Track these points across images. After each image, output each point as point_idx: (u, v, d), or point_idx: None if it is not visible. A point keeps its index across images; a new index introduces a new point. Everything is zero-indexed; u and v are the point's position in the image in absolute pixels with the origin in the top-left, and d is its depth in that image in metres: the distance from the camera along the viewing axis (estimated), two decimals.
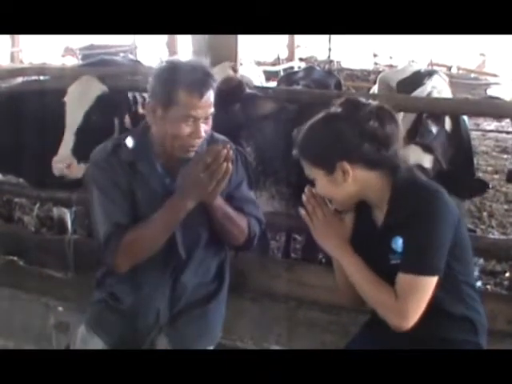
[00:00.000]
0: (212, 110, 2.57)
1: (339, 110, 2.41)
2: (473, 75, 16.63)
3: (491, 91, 16.41)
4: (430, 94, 4.52)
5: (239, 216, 2.74)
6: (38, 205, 6.08)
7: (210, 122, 2.60)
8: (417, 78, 5.61)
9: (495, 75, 15.99)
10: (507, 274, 5.02)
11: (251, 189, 2.88)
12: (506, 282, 4.98)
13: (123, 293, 2.80)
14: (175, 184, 2.63)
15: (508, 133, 11.15)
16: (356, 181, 2.37)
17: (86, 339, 2.73)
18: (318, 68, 6.15)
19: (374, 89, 6.73)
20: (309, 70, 5.89)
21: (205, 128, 2.56)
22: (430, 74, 5.55)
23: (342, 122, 2.37)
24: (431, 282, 2.29)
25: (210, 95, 2.54)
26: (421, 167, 3.35)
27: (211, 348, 2.81)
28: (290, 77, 5.78)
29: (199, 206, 2.59)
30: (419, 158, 3.45)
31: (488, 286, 4.87)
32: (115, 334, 2.74)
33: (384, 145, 2.36)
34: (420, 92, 4.77)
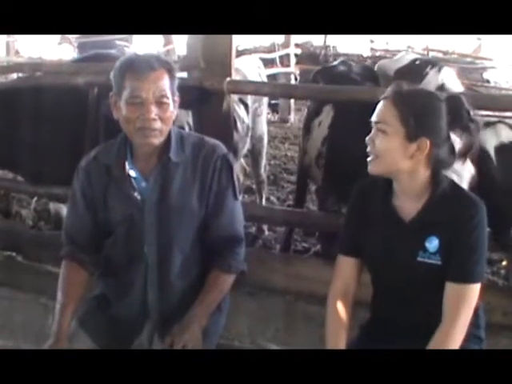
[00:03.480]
0: (166, 93, 2.58)
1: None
2: (469, 59, 16.60)
3: (487, 75, 16.43)
4: (442, 86, 4.51)
5: (218, 288, 2.78)
6: (35, 198, 6.08)
7: (170, 109, 2.61)
8: (415, 67, 5.59)
9: (490, 59, 15.97)
10: (504, 263, 5.03)
11: (236, 198, 2.83)
12: (502, 271, 5.00)
13: (111, 293, 2.89)
14: (150, 187, 2.70)
15: (504, 118, 11.12)
16: (418, 162, 2.40)
17: (74, 334, 2.73)
18: (351, 62, 5.97)
19: None
20: (347, 65, 5.71)
21: (159, 113, 2.56)
22: (430, 63, 5.51)
23: (443, 106, 2.42)
24: (479, 287, 2.41)
25: (157, 77, 2.57)
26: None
27: None
28: (328, 72, 5.54)
29: (174, 211, 2.70)
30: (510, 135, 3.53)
31: (486, 276, 4.87)
32: (102, 333, 2.77)
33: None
34: (427, 83, 4.75)
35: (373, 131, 2.43)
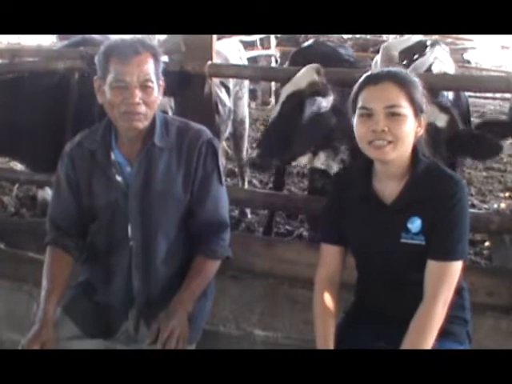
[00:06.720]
0: (150, 77, 2.58)
1: None
2: (449, 40, 16.63)
3: (468, 56, 16.47)
4: (432, 64, 4.51)
5: (203, 274, 2.78)
6: (17, 185, 6.04)
7: (155, 93, 2.61)
8: (418, 47, 5.67)
9: (471, 40, 16.02)
10: (487, 244, 5.07)
11: (221, 184, 2.84)
12: (485, 252, 5.03)
13: (96, 278, 2.89)
14: (135, 172, 2.70)
15: (486, 98, 11.16)
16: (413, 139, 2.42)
17: (59, 321, 2.72)
18: (327, 42, 5.91)
19: (377, 58, 6.77)
20: (326, 45, 5.65)
21: (143, 97, 2.57)
22: (432, 44, 5.57)
23: None
24: (460, 265, 2.39)
25: (141, 61, 2.57)
26: (435, 126, 3.38)
27: (192, 346, 2.80)
28: (310, 52, 5.34)
29: (159, 196, 2.70)
30: (435, 116, 3.44)
31: (468, 256, 4.89)
32: (88, 319, 2.77)
33: None
34: (421, 63, 4.77)
35: (381, 118, 2.34)
